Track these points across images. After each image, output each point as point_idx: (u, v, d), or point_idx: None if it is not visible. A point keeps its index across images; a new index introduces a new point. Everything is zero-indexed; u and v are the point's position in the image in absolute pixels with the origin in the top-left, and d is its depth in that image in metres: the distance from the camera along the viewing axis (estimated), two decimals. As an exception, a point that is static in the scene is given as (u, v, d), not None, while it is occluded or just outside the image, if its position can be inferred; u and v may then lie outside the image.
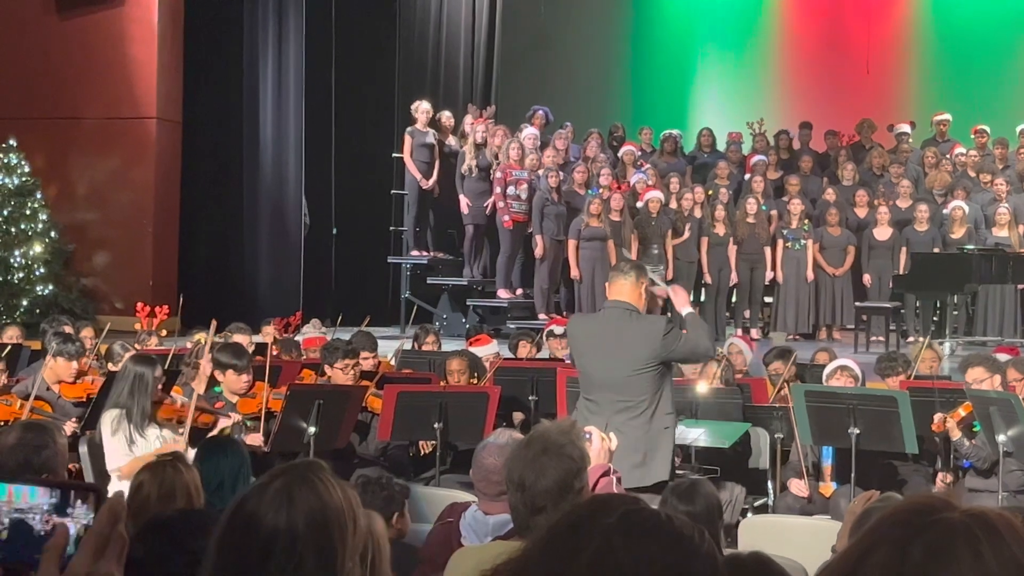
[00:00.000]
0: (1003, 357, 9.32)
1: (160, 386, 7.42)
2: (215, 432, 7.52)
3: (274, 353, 9.26)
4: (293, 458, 7.66)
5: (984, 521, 1.44)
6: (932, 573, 1.40)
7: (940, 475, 8.18)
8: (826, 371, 8.71)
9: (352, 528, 2.34)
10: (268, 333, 11.79)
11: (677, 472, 7.80)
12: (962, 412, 7.79)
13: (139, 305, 13.54)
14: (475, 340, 11.09)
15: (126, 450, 7.14)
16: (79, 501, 1.91)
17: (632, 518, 1.85)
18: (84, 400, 8.31)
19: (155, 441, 7.30)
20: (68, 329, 10.14)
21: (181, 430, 7.34)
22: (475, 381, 9.21)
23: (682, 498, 5.08)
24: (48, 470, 4.23)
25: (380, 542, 3.89)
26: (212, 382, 8.22)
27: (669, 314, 10.72)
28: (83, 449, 7.32)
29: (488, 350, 10.61)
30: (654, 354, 6.77)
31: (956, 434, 7.78)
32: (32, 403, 7.86)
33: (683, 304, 7.24)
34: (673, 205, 15.22)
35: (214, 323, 8.76)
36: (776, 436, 8.52)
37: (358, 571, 2.36)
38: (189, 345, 10.04)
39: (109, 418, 7.21)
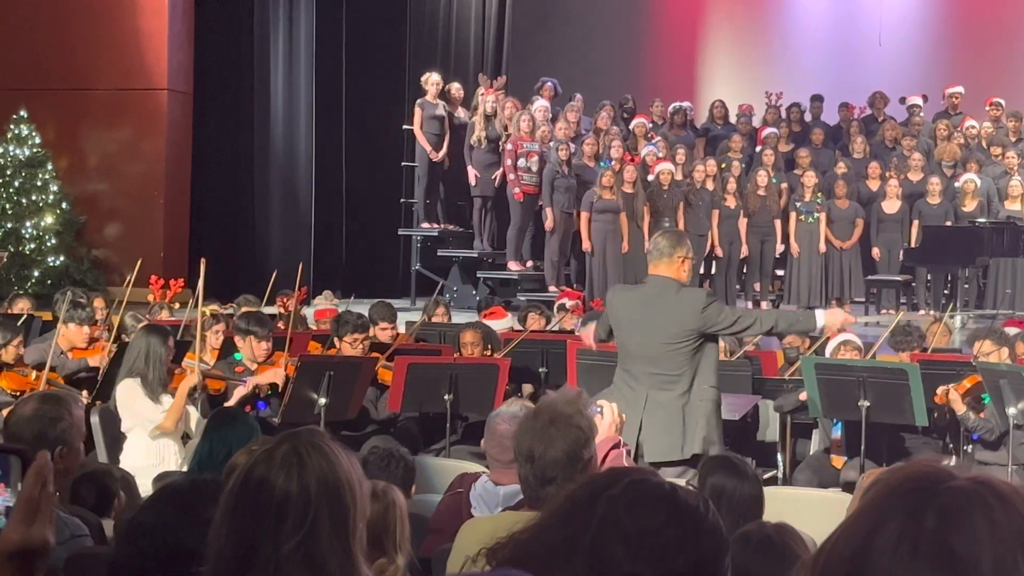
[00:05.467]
0: (1012, 330, 9.31)
1: (171, 356, 7.47)
2: (232, 401, 7.56)
3: (280, 327, 9.28)
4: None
5: (992, 487, 1.44)
6: (950, 540, 1.40)
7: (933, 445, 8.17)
8: (829, 347, 8.66)
9: (359, 492, 2.35)
10: (286, 303, 11.85)
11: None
12: (967, 384, 7.78)
13: (153, 277, 13.55)
14: (490, 312, 11.06)
15: (155, 408, 7.19)
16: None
17: (636, 489, 1.86)
18: (96, 366, 8.34)
19: (169, 409, 7.35)
20: (83, 300, 10.17)
21: (197, 394, 7.40)
22: (488, 353, 9.19)
23: (733, 473, 4.64)
24: (64, 442, 4.24)
25: (402, 515, 3.89)
26: (230, 348, 8.25)
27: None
28: (95, 419, 7.35)
29: (503, 324, 10.57)
30: (691, 328, 6.73)
31: (960, 408, 7.75)
32: (47, 374, 7.88)
33: (823, 315, 7.24)
34: (679, 177, 15.18)
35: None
36: (785, 409, 8.52)
37: (364, 536, 2.37)
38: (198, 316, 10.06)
39: (127, 386, 7.25)
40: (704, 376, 6.82)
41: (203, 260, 8.09)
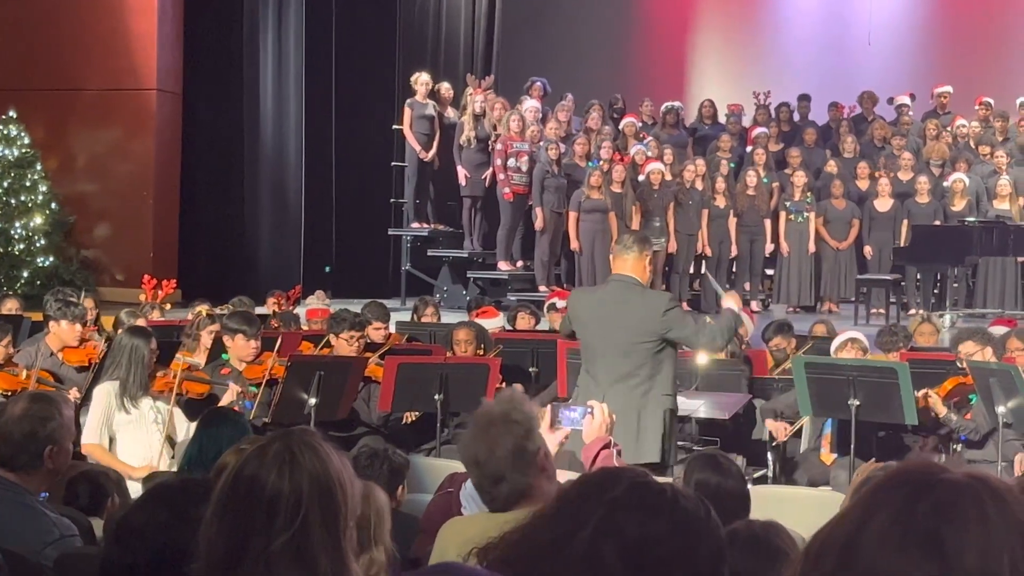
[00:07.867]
0: (999, 329, 9.32)
1: (155, 358, 7.44)
2: (222, 404, 7.54)
3: (273, 326, 9.28)
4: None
5: (986, 483, 1.45)
6: (940, 532, 1.40)
7: (920, 442, 8.17)
8: (835, 343, 8.67)
9: (351, 491, 2.36)
10: (279, 302, 11.86)
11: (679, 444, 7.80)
12: (947, 386, 7.79)
13: (145, 277, 13.52)
14: (481, 312, 11.05)
15: (98, 431, 7.18)
16: None
17: (639, 492, 1.83)
18: (87, 365, 8.31)
19: (148, 412, 7.33)
20: (74, 299, 10.12)
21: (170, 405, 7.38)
22: (481, 352, 9.20)
23: (717, 470, 4.61)
24: (54, 442, 4.24)
25: (381, 513, 3.90)
26: (220, 349, 8.23)
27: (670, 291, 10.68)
28: (84, 419, 7.34)
29: (494, 323, 10.57)
30: (652, 329, 6.77)
31: (941, 410, 7.77)
32: (38, 373, 7.85)
33: (730, 301, 7.23)
34: (669, 177, 15.16)
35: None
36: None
37: (355, 534, 2.38)
38: (189, 316, 10.06)
39: (102, 391, 7.23)
40: (661, 384, 6.85)
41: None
